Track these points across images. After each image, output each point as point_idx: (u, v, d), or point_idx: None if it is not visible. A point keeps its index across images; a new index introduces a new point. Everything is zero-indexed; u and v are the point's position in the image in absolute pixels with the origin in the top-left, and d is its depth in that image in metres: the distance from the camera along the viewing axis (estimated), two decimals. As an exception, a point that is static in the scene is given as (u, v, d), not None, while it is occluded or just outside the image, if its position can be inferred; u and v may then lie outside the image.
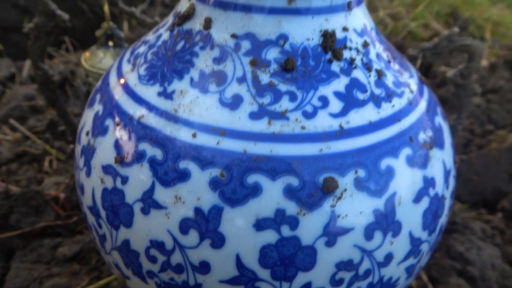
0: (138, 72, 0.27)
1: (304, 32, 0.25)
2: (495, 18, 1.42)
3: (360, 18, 0.27)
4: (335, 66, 0.25)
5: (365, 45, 0.27)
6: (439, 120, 0.29)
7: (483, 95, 0.96)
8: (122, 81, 0.28)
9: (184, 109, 0.24)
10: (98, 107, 0.28)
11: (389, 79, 0.27)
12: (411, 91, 0.28)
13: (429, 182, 0.26)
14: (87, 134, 0.28)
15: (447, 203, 0.28)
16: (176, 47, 0.26)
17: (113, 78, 0.29)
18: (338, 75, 0.25)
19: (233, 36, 0.25)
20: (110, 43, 0.52)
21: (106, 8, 0.49)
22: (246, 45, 0.25)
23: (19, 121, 0.66)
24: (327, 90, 0.24)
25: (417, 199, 0.25)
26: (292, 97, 0.24)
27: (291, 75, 0.24)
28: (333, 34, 0.25)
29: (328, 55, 0.25)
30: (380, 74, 0.26)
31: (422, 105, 0.28)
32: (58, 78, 0.49)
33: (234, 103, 0.24)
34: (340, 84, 0.25)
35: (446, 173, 0.28)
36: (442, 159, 0.27)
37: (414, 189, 0.25)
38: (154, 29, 0.31)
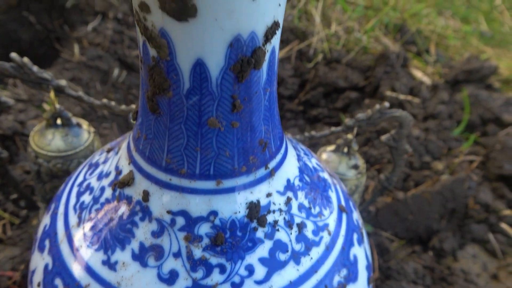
0: (83, 230, 0.30)
1: (231, 207, 0.28)
2: (440, 31, 1.50)
3: (283, 177, 0.30)
4: (260, 233, 0.29)
5: (288, 201, 0.30)
6: (355, 251, 0.34)
7: (424, 121, 1.03)
8: (69, 236, 0.30)
9: (126, 283, 0.27)
10: (47, 259, 0.31)
11: (309, 229, 0.31)
12: (329, 233, 0.32)
13: (342, 320, 0.30)
14: (39, 285, 0.30)
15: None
16: (118, 212, 0.29)
17: (60, 229, 0.31)
18: (262, 240, 0.29)
19: (169, 212, 0.28)
20: (59, 121, 0.53)
21: (52, 94, 0.49)
22: (180, 221, 0.28)
23: (-31, 184, 0.65)
24: (252, 258, 0.28)
25: None
26: (222, 269, 0.27)
27: (220, 248, 0.28)
28: (257, 204, 0.29)
29: (254, 224, 0.28)
30: (300, 227, 0.30)
31: (339, 243, 0.32)
32: (6, 154, 0.50)
33: (171, 278, 0.27)
34: (264, 249, 0.28)
35: (359, 301, 0.32)
36: (355, 292, 0.32)
37: (328, 332, 0.29)
38: (97, 172, 0.33)
